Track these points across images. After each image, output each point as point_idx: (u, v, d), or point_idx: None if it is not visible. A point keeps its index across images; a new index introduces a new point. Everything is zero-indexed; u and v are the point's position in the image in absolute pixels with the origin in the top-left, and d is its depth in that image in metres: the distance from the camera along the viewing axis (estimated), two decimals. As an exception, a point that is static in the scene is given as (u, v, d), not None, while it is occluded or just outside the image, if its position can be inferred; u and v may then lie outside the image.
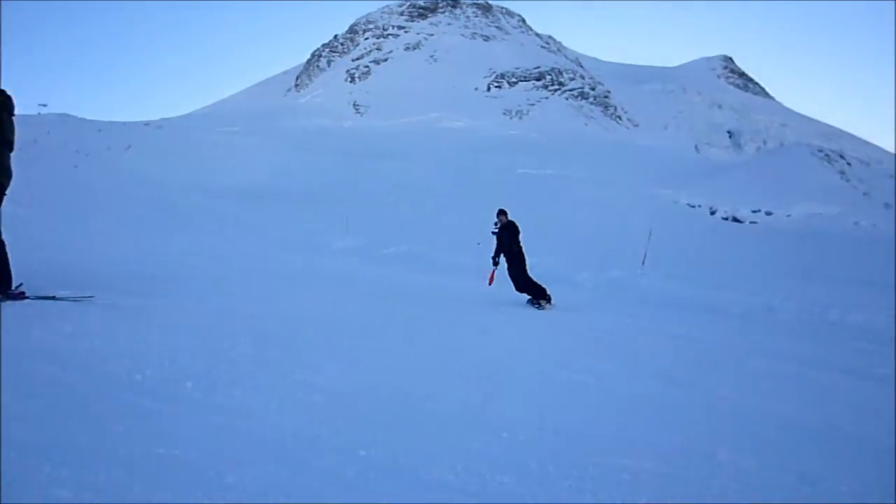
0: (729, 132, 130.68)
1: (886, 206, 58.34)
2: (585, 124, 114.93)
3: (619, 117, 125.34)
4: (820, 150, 72.20)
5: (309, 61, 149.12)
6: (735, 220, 52.84)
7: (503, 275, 11.97)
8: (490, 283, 12.25)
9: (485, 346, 7.08)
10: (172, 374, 4.14)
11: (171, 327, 5.62)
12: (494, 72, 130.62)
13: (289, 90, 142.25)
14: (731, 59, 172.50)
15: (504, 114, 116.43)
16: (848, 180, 64.02)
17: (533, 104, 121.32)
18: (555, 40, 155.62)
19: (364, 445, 3.32)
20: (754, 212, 54.14)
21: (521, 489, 3.07)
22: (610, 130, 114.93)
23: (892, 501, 4.10)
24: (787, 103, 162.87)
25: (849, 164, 70.06)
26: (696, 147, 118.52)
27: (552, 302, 11.45)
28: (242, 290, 9.54)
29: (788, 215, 52.62)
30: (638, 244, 22.66)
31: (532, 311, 11.09)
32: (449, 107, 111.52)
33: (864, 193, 61.82)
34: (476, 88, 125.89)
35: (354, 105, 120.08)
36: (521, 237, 12.08)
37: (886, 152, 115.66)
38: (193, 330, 5.66)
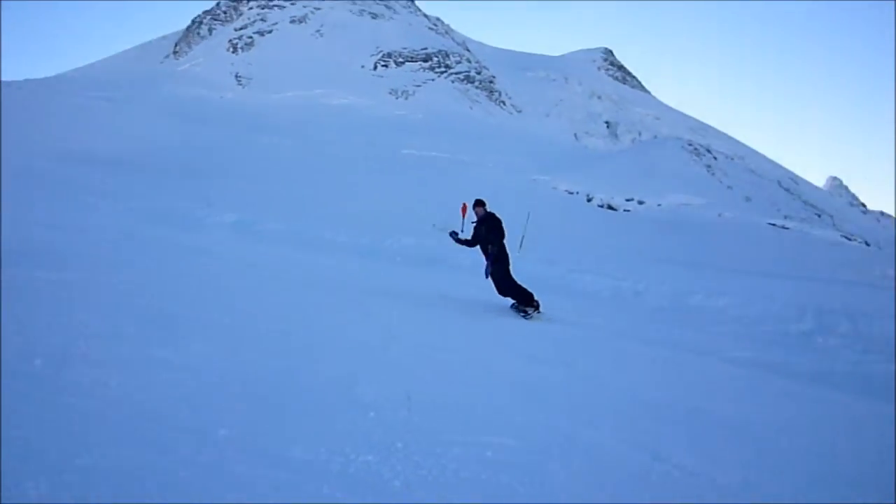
0: (606, 122, 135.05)
1: (747, 199, 61.96)
2: (470, 108, 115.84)
3: (503, 102, 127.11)
4: (690, 144, 75.67)
5: (189, 28, 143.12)
6: (610, 207, 54.65)
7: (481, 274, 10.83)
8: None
9: (358, 325, 6.98)
10: (20, 349, 3.86)
11: (21, 301, 5.24)
12: (381, 51, 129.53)
13: (167, 57, 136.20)
14: (611, 52, 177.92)
15: (390, 93, 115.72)
16: (713, 174, 67.40)
17: (419, 85, 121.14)
18: (443, 23, 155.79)
19: (225, 425, 3.20)
20: (628, 200, 56.14)
21: (384, 468, 3.05)
22: (494, 115, 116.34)
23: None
24: (662, 97, 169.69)
25: (715, 158, 73.77)
26: (575, 135, 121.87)
27: (540, 309, 10.07)
28: (102, 263, 9.03)
29: (659, 205, 54.89)
30: (517, 228, 23.05)
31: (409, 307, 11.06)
32: (334, 83, 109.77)
33: (728, 187, 65.32)
34: (362, 66, 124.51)
35: (236, 76, 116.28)
36: (504, 234, 10.60)
37: (748, 148, 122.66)
38: (46, 304, 5.31)
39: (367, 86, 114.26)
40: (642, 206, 54.90)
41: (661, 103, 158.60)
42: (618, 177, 59.83)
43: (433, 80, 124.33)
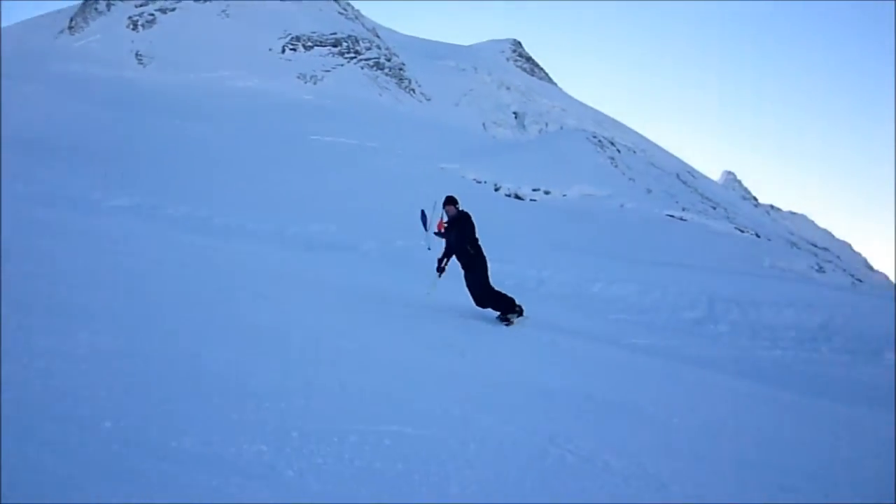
0: (515, 113, 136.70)
1: (648, 191, 63.91)
2: (380, 95, 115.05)
3: (413, 90, 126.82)
4: (594, 136, 77.37)
5: (86, 2, 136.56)
6: (517, 196, 55.35)
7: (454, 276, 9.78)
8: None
9: (257, 312, 6.81)
10: None
11: None
12: (290, 34, 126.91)
13: (61, 32, 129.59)
14: (520, 43, 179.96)
15: (298, 78, 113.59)
16: (616, 166, 69.10)
17: (328, 70, 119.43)
18: (353, 8, 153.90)
19: (110, 416, 3.07)
20: (534, 190, 56.98)
21: (277, 458, 2.99)
22: (403, 102, 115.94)
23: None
24: (568, 90, 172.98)
25: (618, 150, 75.69)
26: (483, 125, 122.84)
27: (524, 314, 9.21)
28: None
29: (564, 195, 55.94)
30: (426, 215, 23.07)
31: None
32: (240, 66, 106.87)
33: (630, 179, 67.17)
34: (270, 49, 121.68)
35: (137, 55, 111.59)
36: (476, 233, 9.45)
37: (650, 142, 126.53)
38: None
39: (275, 69, 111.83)
40: (548, 195, 55.85)
41: (567, 95, 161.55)
42: (525, 167, 60.61)
43: (342, 65, 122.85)
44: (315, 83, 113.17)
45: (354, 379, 4.58)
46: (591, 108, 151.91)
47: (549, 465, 3.60)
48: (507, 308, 9.08)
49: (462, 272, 9.43)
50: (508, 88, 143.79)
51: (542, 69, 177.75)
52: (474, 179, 57.71)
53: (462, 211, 9.46)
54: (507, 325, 8.90)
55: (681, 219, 53.16)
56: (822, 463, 4.82)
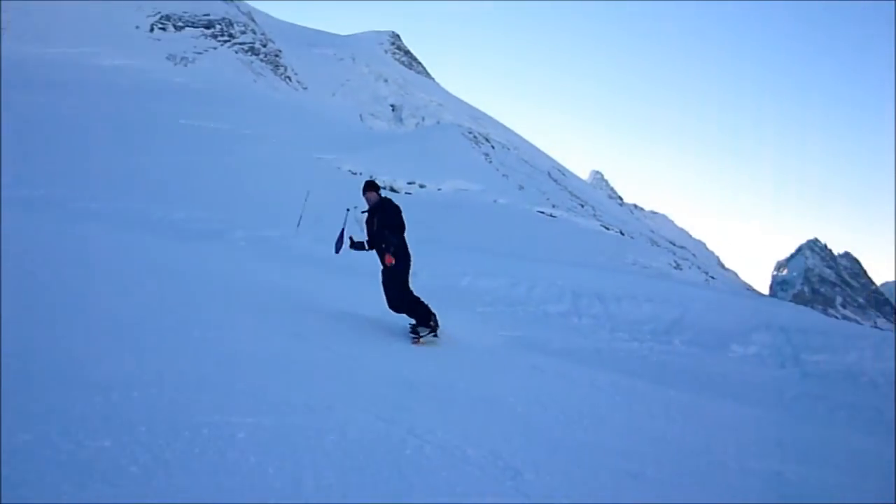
0: (392, 105, 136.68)
1: (520, 187, 65.50)
2: (254, 80, 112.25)
3: (289, 78, 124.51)
4: (470, 132, 78.53)
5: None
6: (392, 189, 55.32)
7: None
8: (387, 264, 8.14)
9: (111, 300, 6.41)
10: None
11: None
12: (159, 12, 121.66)
13: None
14: (398, 36, 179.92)
15: (168, 58, 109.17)
16: (491, 162, 70.38)
17: (200, 53, 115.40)
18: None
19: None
20: (409, 183, 57.18)
21: (121, 453, 2.85)
22: (279, 90, 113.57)
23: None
24: (445, 85, 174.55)
25: (493, 146, 77.10)
26: (360, 116, 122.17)
27: (438, 332, 7.97)
28: None
29: (439, 189, 56.46)
30: (297, 206, 22.71)
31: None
32: (105, 42, 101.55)
33: (504, 175, 68.62)
34: (137, 27, 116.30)
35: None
36: (404, 223, 8.22)
37: (523, 139, 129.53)
38: None
39: (143, 48, 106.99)
40: (423, 189, 56.19)
41: (444, 90, 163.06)
42: (401, 160, 60.72)
43: (215, 48, 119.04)
44: (186, 65, 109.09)
45: (212, 370, 4.44)
46: (468, 104, 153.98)
47: (408, 456, 3.62)
48: (420, 318, 7.96)
49: (381, 271, 8.33)
50: (386, 81, 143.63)
51: (420, 63, 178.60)
52: (350, 171, 57.32)
53: (384, 199, 8.39)
54: (414, 341, 7.71)
55: (551, 215, 54.75)
56: (669, 450, 5.07)
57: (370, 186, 8.48)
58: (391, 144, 70.68)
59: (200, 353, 4.90)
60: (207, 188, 28.96)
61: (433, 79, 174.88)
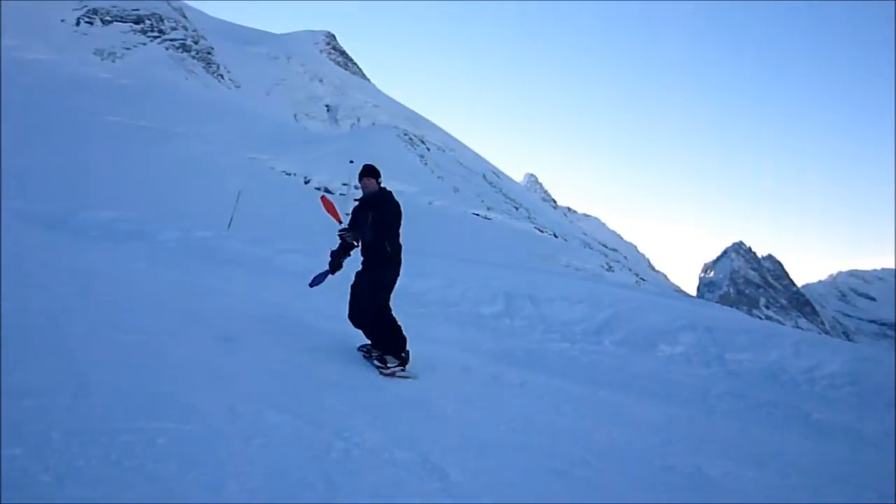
0: (327, 106, 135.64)
1: (455, 189, 65.82)
2: (186, 78, 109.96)
3: (222, 76, 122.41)
4: (405, 134, 78.59)
5: None
6: (327, 191, 54.96)
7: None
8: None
9: (26, 302, 6.16)
10: None
11: None
12: (86, 6, 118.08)
13: None
14: (333, 36, 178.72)
15: (95, 53, 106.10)
16: (426, 164, 70.57)
17: (129, 48, 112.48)
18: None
19: None
20: (344, 184, 56.78)
21: (33, 462, 2.75)
22: (211, 88, 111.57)
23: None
24: (381, 87, 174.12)
25: (428, 149, 77.37)
26: (295, 116, 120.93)
27: (407, 367, 6.55)
28: None
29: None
30: (228, 206, 22.36)
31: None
32: (28, 36, 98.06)
33: (439, 177, 68.86)
34: (63, 20, 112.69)
35: None
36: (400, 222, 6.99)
37: (458, 141, 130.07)
38: None
39: (68, 42, 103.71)
40: (359, 190, 55.86)
41: (380, 92, 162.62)
42: (336, 161, 60.36)
43: (145, 44, 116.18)
44: (114, 61, 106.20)
45: (133, 375, 4.31)
46: (404, 106, 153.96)
47: (334, 459, 3.59)
48: (392, 348, 6.59)
49: (357, 273, 6.96)
50: (321, 81, 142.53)
51: (355, 64, 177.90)
52: (284, 171, 56.76)
53: (385, 189, 7.02)
54: (381, 370, 6.42)
55: (486, 217, 55.19)
56: (596, 449, 5.15)
57: (370, 172, 7.04)
58: (326, 145, 70.17)
59: (121, 357, 4.75)
60: (135, 187, 28.28)
61: (369, 80, 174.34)
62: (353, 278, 6.96)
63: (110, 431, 3.19)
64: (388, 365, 6.46)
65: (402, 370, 6.44)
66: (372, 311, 6.70)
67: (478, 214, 54.95)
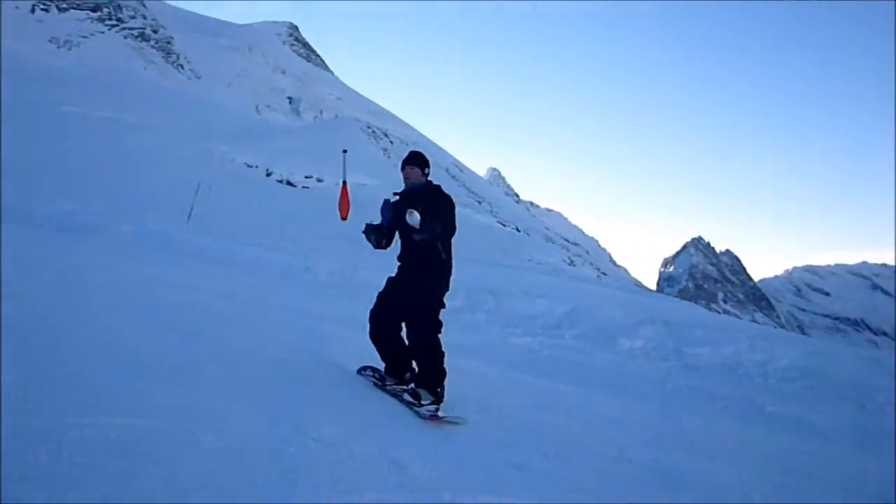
0: (289, 98, 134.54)
1: (419, 183, 65.89)
2: (145, 68, 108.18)
3: (182, 66, 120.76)
4: (368, 127, 78.35)
5: None
6: (290, 183, 54.54)
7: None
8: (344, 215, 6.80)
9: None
10: None
11: None
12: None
13: None
14: (296, 27, 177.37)
15: (51, 42, 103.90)
16: (389, 157, 70.39)
17: (86, 36, 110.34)
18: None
19: None
20: (307, 177, 56.46)
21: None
22: (171, 78, 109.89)
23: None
24: (344, 79, 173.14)
25: (391, 142, 77.22)
26: (257, 108, 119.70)
27: (441, 403, 5.41)
28: None
29: (337, 184, 56.05)
30: (187, 199, 22.07)
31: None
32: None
33: (402, 170, 68.76)
34: (17, 7, 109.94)
35: None
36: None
37: (422, 135, 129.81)
38: None
39: (23, 30, 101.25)
40: (321, 183, 55.61)
41: (343, 84, 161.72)
42: (298, 153, 59.90)
43: (102, 32, 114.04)
44: (70, 49, 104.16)
45: (85, 369, 4.21)
46: (367, 99, 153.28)
47: (292, 454, 3.55)
48: (429, 379, 5.44)
49: (391, 279, 6.02)
50: (284, 72, 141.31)
51: (318, 56, 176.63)
52: (245, 163, 56.15)
53: (431, 183, 5.84)
54: (413, 407, 5.28)
55: (448, 211, 55.09)
56: (554, 442, 5.19)
57: (416, 159, 5.82)
58: (289, 137, 69.62)
59: (73, 351, 4.65)
60: (91, 179, 27.75)
61: (332, 72, 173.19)
62: (382, 285, 6.03)
63: (60, 427, 3.12)
64: (423, 402, 5.30)
65: (438, 410, 5.29)
66: (419, 323, 5.51)
67: (440, 208, 54.90)
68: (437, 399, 5.37)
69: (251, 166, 55.03)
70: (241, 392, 4.51)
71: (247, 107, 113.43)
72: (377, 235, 5.92)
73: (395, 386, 5.63)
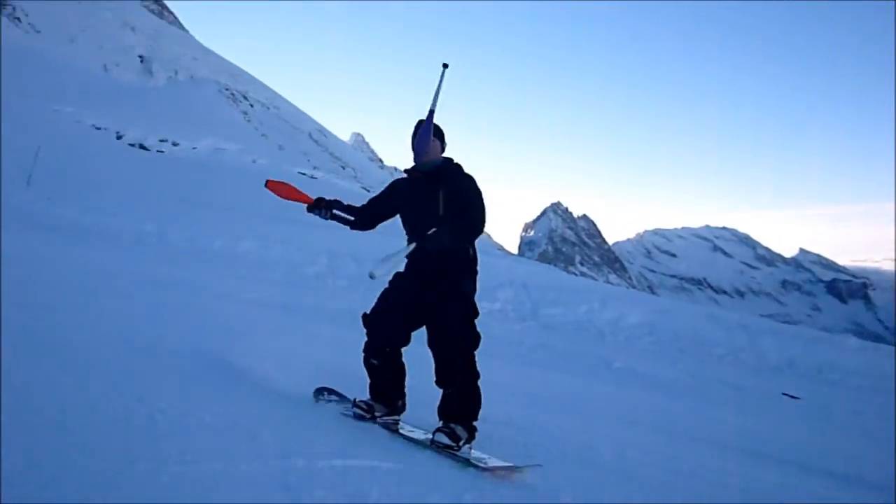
0: (140, 57, 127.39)
1: (280, 147, 64.39)
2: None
3: (18, 19, 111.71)
4: (227, 89, 75.66)
5: None
6: (142, 147, 52.02)
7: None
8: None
9: None
10: None
11: None
12: None
13: None
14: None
15: None
16: (249, 121, 68.52)
17: None
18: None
19: None
20: (162, 141, 54.03)
21: None
22: (6, 32, 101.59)
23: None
24: (201, 39, 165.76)
25: (252, 105, 75.04)
26: (104, 67, 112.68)
27: (474, 438, 4.35)
28: None
29: (194, 148, 53.86)
30: (27, 163, 20.62)
31: None
32: None
33: (263, 135, 67.05)
34: None
35: None
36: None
37: (284, 99, 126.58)
38: None
39: None
40: (177, 147, 53.39)
41: (200, 44, 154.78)
42: (152, 115, 57.18)
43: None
44: None
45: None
46: (226, 61, 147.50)
47: (137, 426, 3.43)
48: (467, 408, 4.40)
49: (399, 275, 4.80)
50: (133, 29, 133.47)
51: (171, 13, 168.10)
52: (93, 125, 53.06)
53: (451, 161, 4.69)
54: (451, 448, 4.15)
55: (311, 177, 54.44)
56: (410, 402, 5.29)
57: (436, 130, 4.53)
58: (140, 98, 66.26)
59: (25, 343, 4.30)
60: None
61: (187, 31, 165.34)
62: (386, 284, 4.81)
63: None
64: (461, 443, 4.19)
65: (471, 448, 4.24)
66: (457, 342, 4.51)
67: (303, 174, 54.04)
68: (472, 434, 4.32)
69: (100, 128, 52.04)
70: (79, 362, 4.31)
71: (94, 65, 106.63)
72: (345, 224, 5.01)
73: (388, 417, 4.63)
